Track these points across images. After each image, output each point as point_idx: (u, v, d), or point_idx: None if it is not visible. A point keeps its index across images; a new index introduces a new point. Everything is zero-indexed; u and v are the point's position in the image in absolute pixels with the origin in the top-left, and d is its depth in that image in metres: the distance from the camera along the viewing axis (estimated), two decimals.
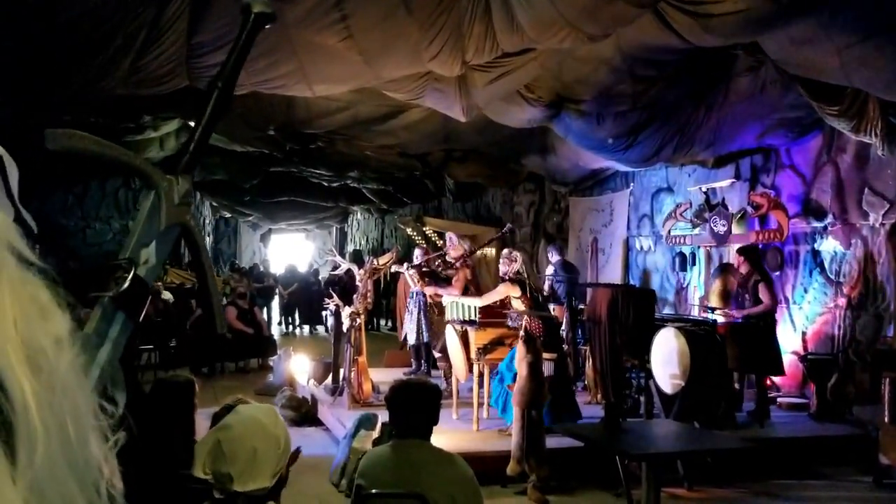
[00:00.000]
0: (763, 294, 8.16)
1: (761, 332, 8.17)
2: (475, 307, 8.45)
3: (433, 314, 10.19)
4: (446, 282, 9.76)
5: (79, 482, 0.66)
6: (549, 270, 10.61)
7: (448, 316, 8.86)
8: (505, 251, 8.18)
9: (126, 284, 0.96)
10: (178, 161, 1.08)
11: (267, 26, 1.17)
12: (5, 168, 0.73)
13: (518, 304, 7.58)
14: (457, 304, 8.76)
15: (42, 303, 0.69)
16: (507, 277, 7.74)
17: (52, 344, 0.67)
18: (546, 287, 10.15)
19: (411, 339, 10.36)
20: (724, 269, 9.34)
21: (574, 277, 10.63)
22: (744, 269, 8.45)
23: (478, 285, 10.48)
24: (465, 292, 9.45)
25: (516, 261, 7.78)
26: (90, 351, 0.90)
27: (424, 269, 9.79)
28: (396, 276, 11.91)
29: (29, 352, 0.65)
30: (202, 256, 1.16)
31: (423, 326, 10.18)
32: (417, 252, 10.81)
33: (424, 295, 10.17)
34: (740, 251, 8.61)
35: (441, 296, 9.40)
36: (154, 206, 1.04)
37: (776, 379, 8.96)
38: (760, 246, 9.21)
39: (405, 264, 10.60)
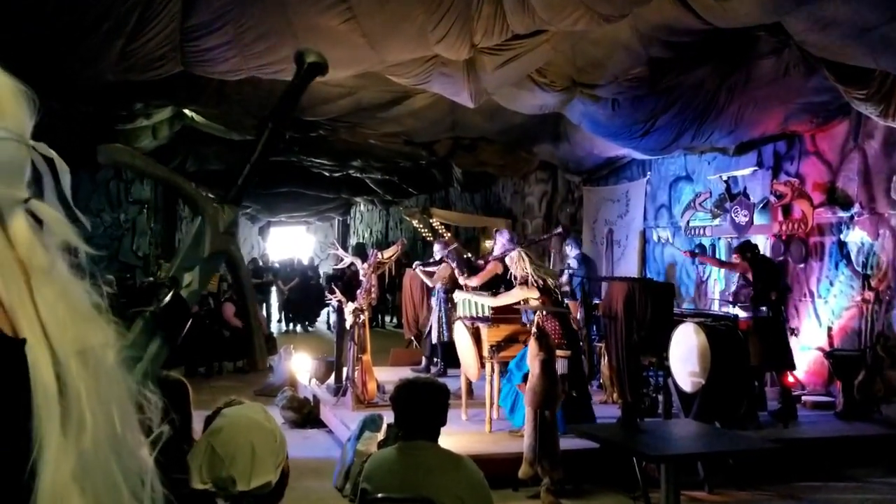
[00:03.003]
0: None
1: (777, 327, 8.22)
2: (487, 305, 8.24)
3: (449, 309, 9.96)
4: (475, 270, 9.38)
5: (123, 471, 0.72)
6: (573, 264, 10.42)
7: (459, 312, 8.75)
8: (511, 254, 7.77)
9: (167, 300, 1.00)
10: (227, 191, 1.17)
11: (318, 77, 1.25)
12: (58, 172, 0.78)
13: (536, 305, 7.32)
14: (469, 301, 8.62)
15: (87, 306, 0.76)
16: (520, 280, 7.43)
17: (97, 343, 0.75)
18: (564, 280, 9.88)
19: (434, 337, 10.20)
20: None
21: (592, 272, 10.52)
22: (742, 265, 8.46)
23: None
24: (489, 287, 9.11)
25: (516, 261, 7.39)
26: (127, 363, 0.93)
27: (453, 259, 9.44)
28: (402, 270, 11.72)
29: (79, 347, 0.73)
30: (245, 288, 1.22)
31: (444, 323, 10.02)
32: (437, 247, 10.55)
33: (445, 291, 9.91)
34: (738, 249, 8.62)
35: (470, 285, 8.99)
36: (200, 232, 1.10)
37: (800, 376, 8.95)
38: (784, 237, 9.31)
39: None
